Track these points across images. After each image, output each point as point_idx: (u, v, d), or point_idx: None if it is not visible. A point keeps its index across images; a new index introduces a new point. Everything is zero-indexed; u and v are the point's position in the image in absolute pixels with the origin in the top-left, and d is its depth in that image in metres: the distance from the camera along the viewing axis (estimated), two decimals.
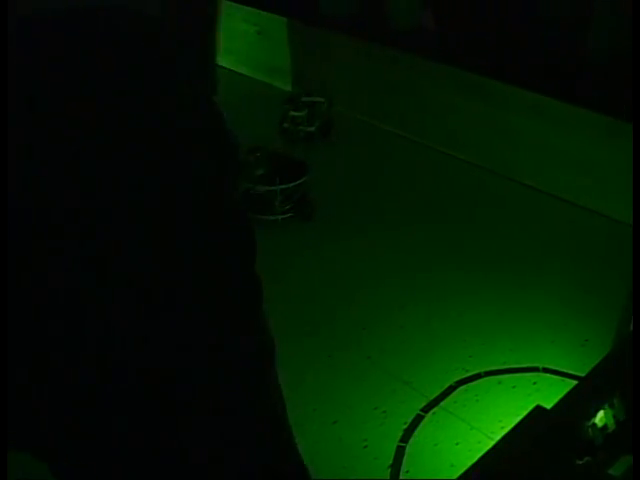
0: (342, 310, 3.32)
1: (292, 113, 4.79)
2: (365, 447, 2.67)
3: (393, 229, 3.85)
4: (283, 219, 3.91)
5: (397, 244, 3.73)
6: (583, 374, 2.71)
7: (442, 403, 2.82)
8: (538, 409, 2.17)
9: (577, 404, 2.14)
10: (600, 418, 1.99)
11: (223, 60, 5.79)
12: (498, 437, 2.56)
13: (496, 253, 3.63)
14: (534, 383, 2.88)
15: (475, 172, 4.31)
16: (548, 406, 2.20)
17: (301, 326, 3.24)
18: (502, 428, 2.66)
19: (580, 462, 1.93)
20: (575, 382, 2.77)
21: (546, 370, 2.93)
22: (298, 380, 2.97)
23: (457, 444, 2.66)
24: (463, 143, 4.42)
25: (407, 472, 2.61)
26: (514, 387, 2.87)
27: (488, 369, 2.95)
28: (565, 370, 2.92)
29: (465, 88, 4.35)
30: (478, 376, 2.93)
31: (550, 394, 2.77)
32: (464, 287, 3.40)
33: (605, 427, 2.00)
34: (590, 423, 1.99)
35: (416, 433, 2.71)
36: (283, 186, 3.89)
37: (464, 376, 2.93)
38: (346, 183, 4.31)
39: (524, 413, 2.33)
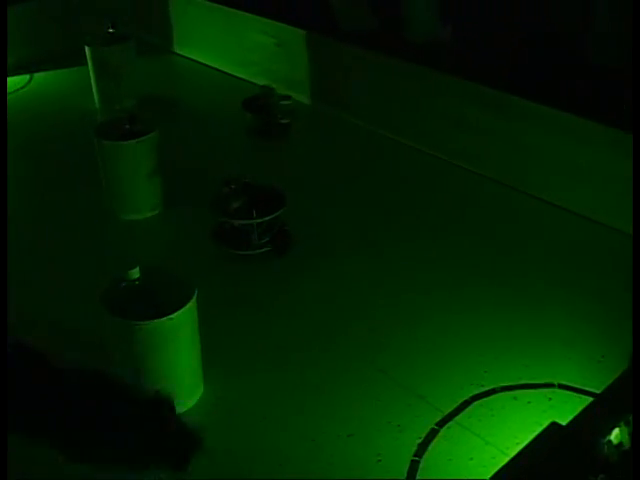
0: (356, 325, 3.32)
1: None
2: (379, 461, 2.66)
3: (405, 245, 3.85)
4: (261, 253, 3.77)
5: (410, 260, 3.73)
6: (599, 391, 2.70)
7: (457, 418, 2.81)
8: (554, 425, 2.16)
9: (593, 421, 2.14)
10: (616, 435, 1.99)
11: (242, 72, 5.81)
12: (513, 453, 2.56)
13: (512, 268, 3.62)
14: (549, 399, 2.87)
15: (489, 186, 4.30)
16: (563, 422, 2.19)
17: (316, 341, 3.24)
18: (517, 444, 2.65)
19: (595, 479, 1.92)
20: (591, 399, 2.76)
21: (562, 386, 2.92)
22: (313, 394, 2.97)
23: (471, 459, 2.65)
24: (478, 156, 4.42)
25: None
26: (529, 403, 2.86)
27: (503, 384, 2.94)
28: (581, 386, 2.90)
29: (481, 102, 4.35)
30: (493, 391, 2.91)
31: (565, 410, 2.76)
32: (479, 302, 3.39)
33: (621, 444, 2.00)
34: (606, 440, 1.98)
35: (430, 448, 2.70)
36: (260, 220, 3.71)
37: (479, 391, 2.92)
38: (348, 198, 4.32)
39: (539, 429, 2.32)
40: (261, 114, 4.96)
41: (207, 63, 6.13)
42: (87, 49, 5.36)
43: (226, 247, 3.79)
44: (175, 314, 2.76)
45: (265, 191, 3.85)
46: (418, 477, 2.61)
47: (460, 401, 2.88)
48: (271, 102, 5.00)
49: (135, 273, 2.87)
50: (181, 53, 6.36)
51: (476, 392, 2.92)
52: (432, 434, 2.75)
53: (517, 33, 4.39)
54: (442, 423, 2.79)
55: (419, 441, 2.73)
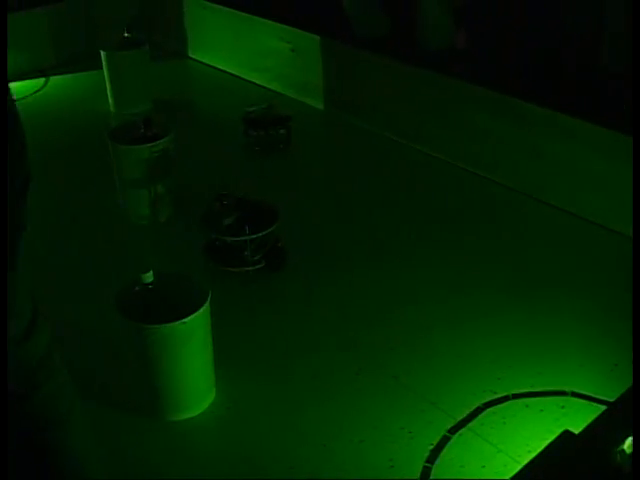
0: (369, 330, 3.32)
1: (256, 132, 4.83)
2: (391, 467, 2.66)
3: (415, 253, 3.84)
4: (254, 270, 3.67)
5: (422, 267, 3.73)
6: (612, 399, 2.70)
7: (469, 425, 2.81)
8: (566, 434, 2.16)
9: (606, 430, 2.14)
10: (629, 445, 1.98)
11: (256, 77, 5.83)
12: (525, 461, 2.56)
13: (525, 275, 3.62)
14: (562, 407, 2.86)
15: (503, 193, 4.30)
16: (576, 431, 2.19)
17: (328, 345, 3.25)
18: (529, 452, 2.65)
19: None
20: (604, 407, 2.76)
21: (574, 394, 2.91)
22: (324, 399, 2.98)
23: (483, 467, 2.65)
24: (491, 163, 4.42)
25: None
26: (542, 410, 2.85)
27: (516, 392, 2.94)
28: (594, 395, 2.89)
29: (496, 110, 4.35)
30: (506, 398, 2.91)
31: (578, 418, 2.75)
32: (492, 309, 3.39)
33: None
34: (619, 449, 1.98)
35: (442, 454, 2.70)
36: (253, 236, 3.58)
37: (492, 398, 2.91)
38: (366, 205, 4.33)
39: (551, 437, 2.32)
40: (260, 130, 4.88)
41: (221, 68, 6.16)
42: (102, 53, 5.39)
43: (220, 265, 3.71)
44: (189, 318, 2.77)
45: (258, 206, 3.75)
46: None
47: (472, 408, 2.88)
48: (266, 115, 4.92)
49: (149, 277, 2.88)
50: (195, 58, 6.39)
51: (488, 399, 2.91)
52: (444, 440, 2.75)
53: (532, 40, 4.39)
54: (454, 430, 2.79)
55: (431, 447, 2.72)
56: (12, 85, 5.73)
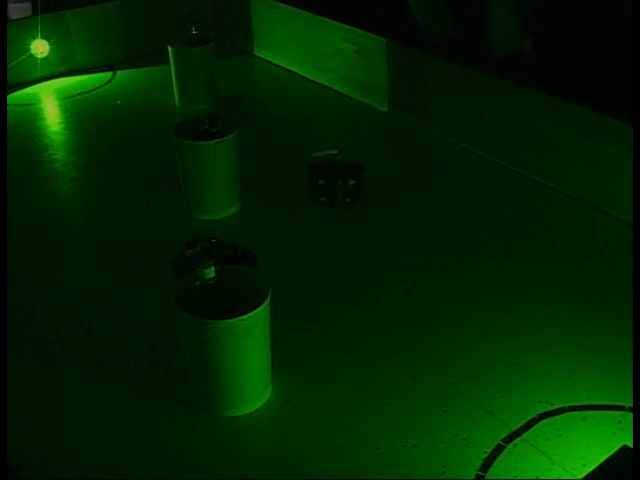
0: (426, 335, 3.31)
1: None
2: (443, 473, 2.65)
3: (475, 262, 3.82)
4: None
5: (482, 277, 3.70)
6: None
7: (524, 435, 2.78)
8: (625, 449, 2.14)
9: None
10: None
11: (321, 78, 5.85)
12: (580, 474, 2.54)
13: (585, 287, 3.58)
14: (619, 422, 2.82)
15: (564, 201, 4.25)
16: (632, 446, 2.16)
17: (384, 348, 3.25)
18: (584, 465, 2.62)
19: None
20: None
21: (632, 409, 2.87)
22: (380, 403, 2.97)
23: (537, 478, 2.62)
24: (553, 171, 4.38)
25: None
26: (598, 424, 2.82)
27: (573, 404, 2.91)
28: None
29: (562, 117, 4.30)
30: (562, 410, 2.88)
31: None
32: (552, 320, 3.36)
33: None
34: None
35: (496, 463, 2.68)
36: None
37: (548, 409, 2.89)
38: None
39: (607, 452, 2.30)
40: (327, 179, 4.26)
41: (286, 67, 6.19)
42: (170, 49, 5.46)
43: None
44: (248, 315, 2.78)
45: (235, 252, 3.50)
46: None
47: (528, 418, 2.85)
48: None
49: (210, 272, 2.90)
50: (261, 56, 6.44)
51: (545, 410, 2.89)
52: (498, 450, 2.73)
53: (602, 48, 4.34)
54: (509, 439, 2.77)
55: (485, 456, 2.71)
56: (79, 78, 5.88)
